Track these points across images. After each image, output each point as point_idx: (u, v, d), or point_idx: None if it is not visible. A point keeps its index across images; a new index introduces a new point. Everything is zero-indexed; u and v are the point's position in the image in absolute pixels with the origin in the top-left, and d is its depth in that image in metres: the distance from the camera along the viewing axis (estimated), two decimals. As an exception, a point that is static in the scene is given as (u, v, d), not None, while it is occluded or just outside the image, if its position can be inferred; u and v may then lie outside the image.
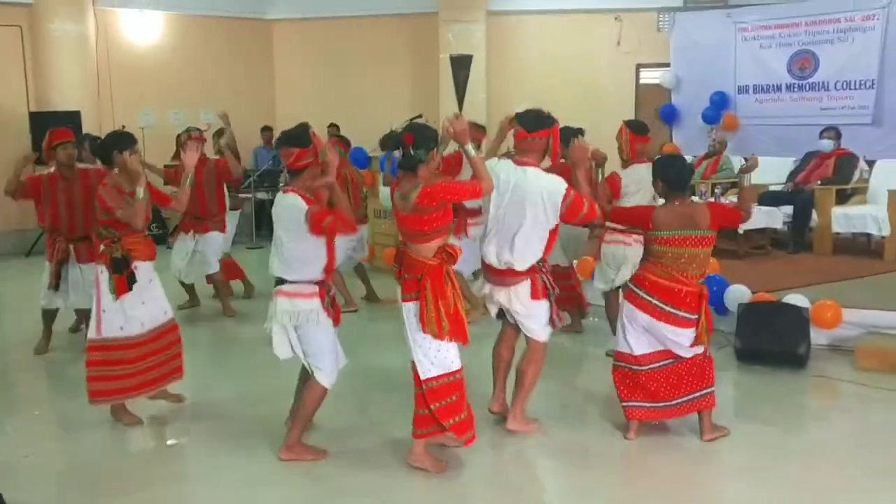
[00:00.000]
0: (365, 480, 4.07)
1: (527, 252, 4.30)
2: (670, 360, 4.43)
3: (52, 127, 6.13)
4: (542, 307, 4.43)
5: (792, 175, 9.04)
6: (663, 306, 4.31)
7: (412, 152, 3.91)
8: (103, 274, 4.62)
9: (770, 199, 8.65)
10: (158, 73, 12.04)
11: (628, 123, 5.88)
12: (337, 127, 10.94)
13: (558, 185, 4.23)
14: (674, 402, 4.43)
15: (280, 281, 4.15)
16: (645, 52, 12.16)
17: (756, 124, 10.75)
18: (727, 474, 4.23)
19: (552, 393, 5.54)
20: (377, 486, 4.01)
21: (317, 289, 4.13)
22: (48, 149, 5.92)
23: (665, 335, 4.36)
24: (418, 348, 3.95)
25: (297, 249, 4.07)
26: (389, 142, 4.64)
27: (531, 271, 4.35)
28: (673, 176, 4.43)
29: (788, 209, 8.45)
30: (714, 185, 8.87)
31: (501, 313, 4.63)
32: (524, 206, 4.22)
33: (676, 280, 4.31)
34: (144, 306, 4.73)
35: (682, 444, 4.42)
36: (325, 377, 4.18)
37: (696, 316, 4.31)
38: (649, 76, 12.31)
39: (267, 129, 12.30)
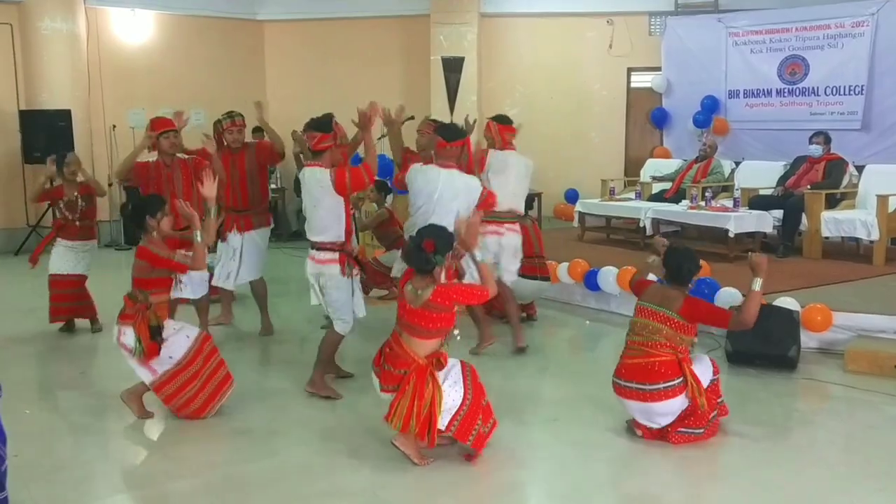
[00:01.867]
0: (357, 479, 4.07)
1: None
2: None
3: (154, 117, 6.25)
4: None
5: (782, 179, 9.08)
6: (641, 387, 4.34)
7: (433, 258, 4.04)
8: (125, 336, 4.69)
9: (760, 203, 8.69)
10: (149, 72, 12.01)
11: (493, 118, 6.46)
12: (328, 128, 10.90)
13: (476, 182, 5.35)
14: (686, 431, 4.48)
15: (311, 245, 5.08)
16: (636, 56, 12.21)
17: (746, 129, 10.83)
18: (717, 476, 4.26)
19: (544, 393, 5.56)
20: (370, 483, 4.01)
21: (338, 255, 5.01)
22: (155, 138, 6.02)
23: (660, 414, 4.38)
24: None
25: (320, 216, 4.98)
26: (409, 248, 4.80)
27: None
28: (672, 267, 4.50)
29: (778, 213, 8.48)
30: (704, 189, 8.91)
31: None
32: (453, 200, 5.18)
33: (647, 353, 4.36)
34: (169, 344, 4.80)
35: (673, 446, 4.42)
36: (340, 326, 5.13)
37: (679, 380, 4.30)
38: (640, 80, 12.38)
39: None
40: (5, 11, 10.75)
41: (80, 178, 6.82)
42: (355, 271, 5.25)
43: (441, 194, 5.27)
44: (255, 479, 4.10)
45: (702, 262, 6.67)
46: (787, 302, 6.05)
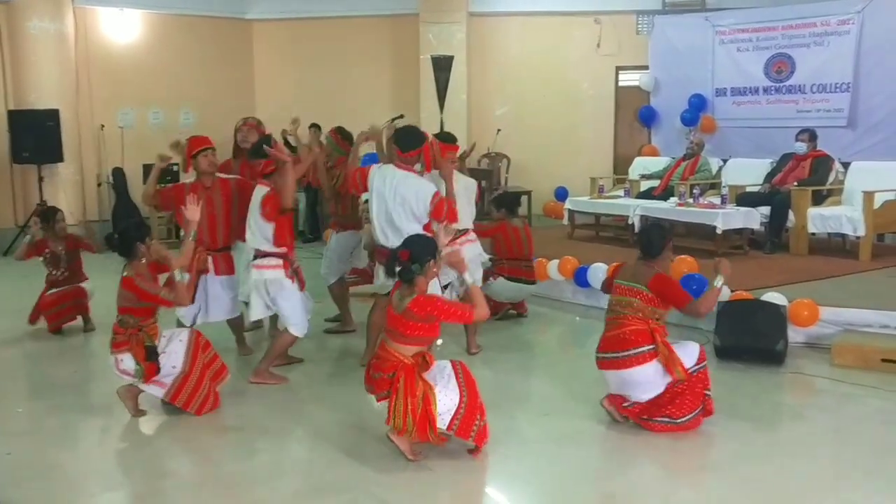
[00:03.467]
0: (352, 475, 4.09)
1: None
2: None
3: (191, 136, 5.86)
4: None
5: (769, 176, 9.16)
6: (615, 354, 4.46)
7: (410, 267, 4.07)
8: (124, 363, 4.71)
9: (747, 199, 8.76)
10: (138, 71, 11.98)
11: (437, 135, 6.02)
12: (318, 127, 10.92)
13: (428, 188, 5.17)
14: (661, 420, 4.53)
15: (255, 255, 5.35)
16: (624, 55, 12.28)
17: (733, 126, 10.90)
18: (705, 469, 4.30)
19: (535, 389, 5.60)
20: (364, 479, 4.03)
21: (281, 262, 5.28)
22: (189, 157, 5.66)
23: (634, 383, 4.45)
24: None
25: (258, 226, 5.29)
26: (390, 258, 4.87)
27: None
28: (643, 242, 4.72)
29: (765, 210, 8.55)
30: (692, 186, 8.97)
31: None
32: (404, 202, 5.15)
33: (619, 324, 4.48)
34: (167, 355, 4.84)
35: (662, 440, 4.47)
36: (295, 330, 5.39)
37: (650, 347, 4.40)
38: (628, 78, 12.44)
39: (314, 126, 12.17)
40: (-7, 11, 10.72)
41: (65, 234, 6.83)
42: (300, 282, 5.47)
43: (392, 196, 5.18)
44: (250, 476, 4.11)
45: (690, 258, 6.85)
46: (774, 297, 6.11)
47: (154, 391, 4.82)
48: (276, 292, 5.33)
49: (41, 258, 6.80)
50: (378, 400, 4.15)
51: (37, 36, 10.80)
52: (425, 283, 4.14)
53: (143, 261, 4.78)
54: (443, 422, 4.06)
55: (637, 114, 12.15)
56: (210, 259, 5.68)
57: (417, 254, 4.11)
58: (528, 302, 7.34)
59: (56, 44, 10.97)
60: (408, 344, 4.11)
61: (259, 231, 5.32)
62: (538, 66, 12.63)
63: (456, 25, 12.42)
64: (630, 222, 8.97)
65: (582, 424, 4.71)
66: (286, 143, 10.44)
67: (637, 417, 4.55)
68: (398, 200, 5.14)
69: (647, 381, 4.45)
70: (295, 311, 5.38)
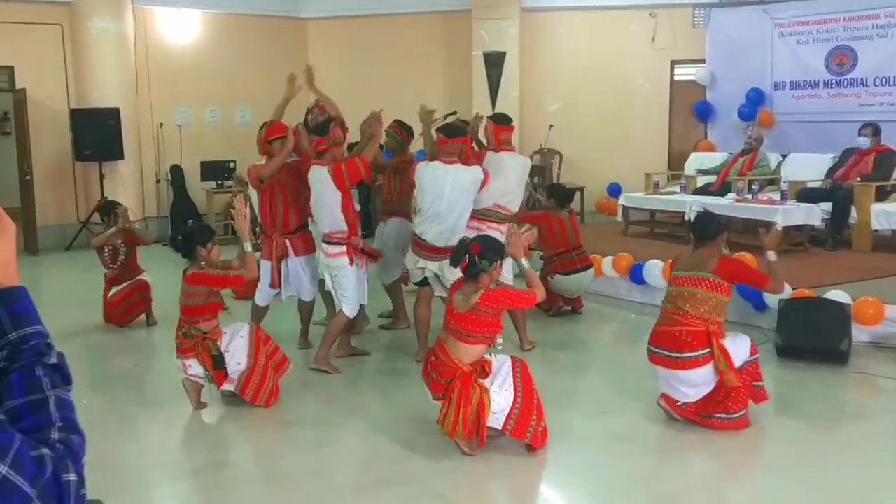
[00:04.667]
0: (410, 469, 4.11)
1: (460, 231, 5.42)
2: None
3: (268, 122, 6.01)
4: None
5: (830, 172, 8.94)
6: (669, 354, 4.39)
7: (478, 261, 4.07)
8: (192, 368, 4.82)
9: (808, 195, 8.56)
10: (195, 70, 12.18)
11: (491, 117, 6.28)
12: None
13: (478, 172, 5.50)
14: (714, 417, 4.46)
15: (322, 239, 5.51)
16: (680, 49, 12.10)
17: (793, 121, 10.68)
18: (766, 470, 4.22)
19: (593, 384, 5.56)
20: (422, 474, 4.05)
21: (345, 248, 5.38)
22: (265, 142, 5.83)
23: (688, 383, 4.38)
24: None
25: (323, 210, 5.38)
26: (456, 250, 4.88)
27: None
28: (697, 229, 4.70)
29: (827, 206, 8.35)
30: (751, 182, 8.81)
31: (424, 281, 5.68)
32: (461, 196, 5.42)
33: (677, 321, 4.39)
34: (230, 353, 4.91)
35: (723, 439, 4.41)
36: (347, 309, 5.50)
37: (706, 351, 4.31)
38: (684, 73, 12.25)
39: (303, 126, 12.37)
40: (55, 12, 10.97)
41: (127, 226, 6.94)
42: (363, 261, 5.59)
43: (451, 190, 5.41)
44: (308, 469, 4.16)
45: (749, 255, 6.72)
46: (837, 295, 5.96)
47: (224, 387, 4.90)
48: (338, 273, 5.47)
49: (104, 251, 6.94)
50: (434, 399, 4.18)
51: (98, 36, 11.04)
52: (489, 281, 4.13)
53: (204, 265, 4.83)
54: (497, 421, 4.04)
55: (693, 108, 11.97)
56: (288, 242, 5.82)
57: (488, 251, 4.11)
58: (584, 298, 7.28)
59: (116, 43, 11.20)
60: (474, 343, 4.07)
61: (324, 214, 5.43)
62: (591, 61, 12.51)
63: (508, 21, 12.37)
64: (687, 218, 8.84)
65: (638, 422, 4.66)
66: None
67: (694, 415, 4.48)
68: (458, 192, 5.40)
69: (699, 382, 4.38)
70: (350, 291, 5.48)
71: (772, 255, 4.64)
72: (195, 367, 4.81)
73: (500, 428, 4.07)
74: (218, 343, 4.81)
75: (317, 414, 4.92)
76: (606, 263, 7.57)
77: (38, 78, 10.89)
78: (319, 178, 5.36)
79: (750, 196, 8.45)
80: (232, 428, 4.82)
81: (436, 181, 5.41)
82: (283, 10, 12.99)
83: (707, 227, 4.63)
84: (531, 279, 4.31)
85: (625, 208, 9.84)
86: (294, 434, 4.66)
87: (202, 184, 11.67)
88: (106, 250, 6.92)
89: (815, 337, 5.63)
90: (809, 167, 9.34)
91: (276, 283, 5.84)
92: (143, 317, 7.03)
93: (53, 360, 1.32)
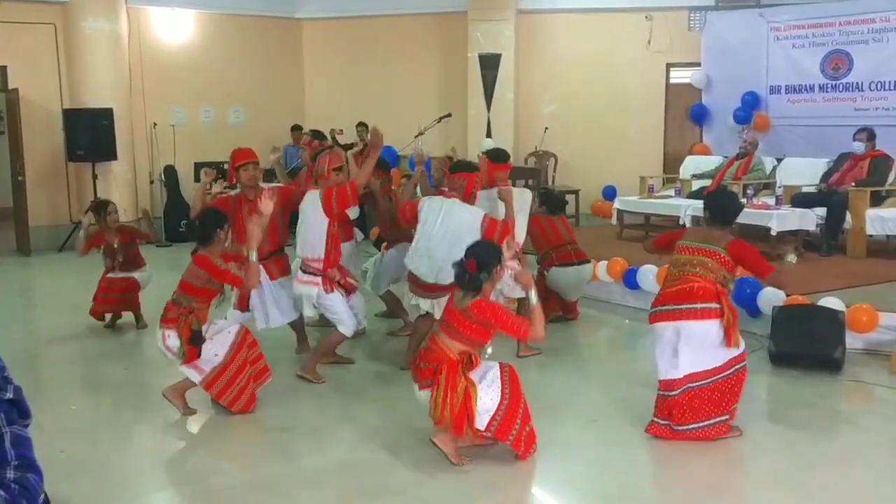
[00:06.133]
0: (395, 478, 4.08)
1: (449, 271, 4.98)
2: (703, 382, 4.38)
3: (236, 148, 5.81)
4: None
5: (825, 176, 8.93)
6: (678, 307, 4.33)
7: (479, 276, 4.06)
8: (169, 339, 4.79)
9: (803, 200, 8.55)
10: (189, 70, 12.15)
11: (486, 152, 6.11)
12: (366, 126, 10.97)
13: (475, 214, 5.23)
14: (687, 427, 4.40)
15: (300, 267, 5.37)
16: (675, 52, 12.11)
17: (788, 125, 10.69)
18: (760, 480, 4.18)
19: (584, 393, 5.53)
20: (409, 483, 4.02)
21: (319, 279, 5.29)
22: (232, 170, 5.73)
23: (692, 339, 4.32)
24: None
25: (306, 234, 5.30)
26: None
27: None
28: (715, 207, 4.62)
29: (821, 211, 8.34)
30: (745, 186, 8.80)
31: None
32: (452, 229, 5.17)
33: (685, 280, 4.37)
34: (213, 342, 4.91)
35: (716, 448, 4.38)
36: (344, 329, 5.43)
37: (717, 306, 4.28)
38: (679, 76, 12.26)
39: (297, 128, 12.36)
40: (49, 11, 10.92)
41: (116, 225, 6.92)
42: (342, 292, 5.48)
43: (440, 225, 5.27)
44: (298, 477, 4.13)
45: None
46: (831, 302, 5.94)
47: (192, 375, 4.85)
48: (319, 300, 5.42)
49: (99, 250, 6.90)
50: (420, 389, 4.16)
51: (91, 35, 11.00)
52: (491, 288, 4.15)
53: (218, 248, 4.88)
54: (482, 422, 4.02)
55: (688, 112, 11.97)
56: (261, 268, 5.64)
57: (484, 262, 4.08)
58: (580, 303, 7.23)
59: (110, 43, 11.16)
60: (458, 341, 4.10)
61: (307, 239, 5.37)
62: (587, 63, 12.50)
63: (504, 23, 12.36)
64: (681, 222, 8.82)
65: (634, 430, 4.62)
66: (334, 141, 10.53)
67: (682, 434, 4.40)
68: (447, 230, 5.21)
69: (706, 339, 4.31)
70: (340, 312, 5.44)
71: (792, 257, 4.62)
72: (172, 339, 4.77)
73: (483, 428, 4.04)
74: (204, 326, 4.81)
75: (305, 422, 4.87)
76: (601, 268, 7.54)
77: (31, 77, 10.86)
78: (311, 201, 5.34)
79: (745, 201, 8.41)
80: (221, 434, 4.77)
81: (430, 213, 5.33)
82: (278, 11, 12.96)
83: (726, 210, 4.59)
84: (534, 315, 4.14)
85: (619, 212, 9.82)
86: (282, 442, 4.61)
87: (196, 184, 11.60)
88: (102, 249, 6.87)
89: (808, 344, 5.61)
90: (804, 172, 9.33)
91: (244, 306, 5.76)
92: (132, 319, 6.98)
93: (9, 395, 1.26)
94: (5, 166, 11.34)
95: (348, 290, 5.55)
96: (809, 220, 8.20)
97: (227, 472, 4.27)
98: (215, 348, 4.84)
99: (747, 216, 8.17)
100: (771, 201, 8.54)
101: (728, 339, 4.30)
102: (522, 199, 5.93)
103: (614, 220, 9.91)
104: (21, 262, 10.23)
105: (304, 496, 3.93)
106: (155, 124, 11.84)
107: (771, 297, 6.11)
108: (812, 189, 8.83)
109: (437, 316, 5.00)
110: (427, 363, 4.13)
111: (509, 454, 4.18)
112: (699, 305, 4.28)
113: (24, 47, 10.84)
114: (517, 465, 4.15)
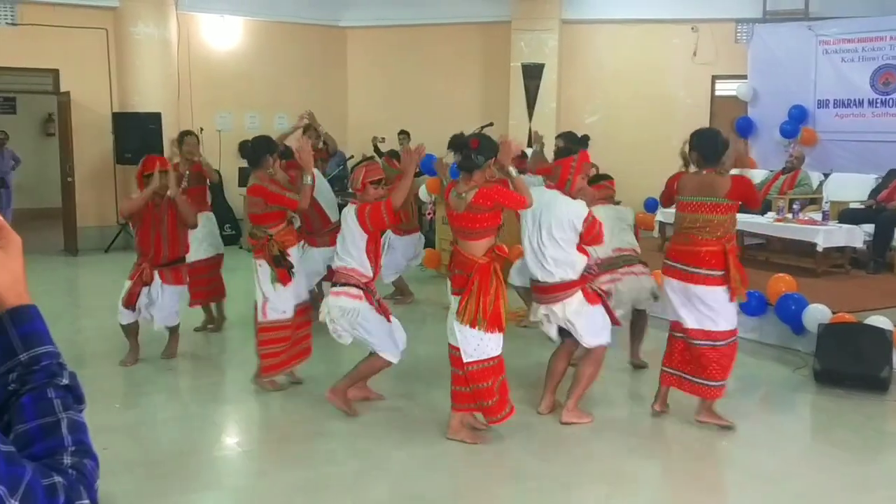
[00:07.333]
0: (436, 481, 4.09)
1: (552, 263, 4.67)
2: (709, 342, 4.63)
3: (147, 154, 6.09)
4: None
5: (874, 193, 8.78)
6: (686, 267, 4.58)
7: (474, 156, 4.28)
8: (262, 268, 5.20)
9: (850, 216, 8.41)
10: (236, 76, 12.30)
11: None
12: (407, 134, 11.03)
13: (576, 208, 4.65)
14: (699, 381, 4.67)
15: (333, 282, 4.91)
16: (721, 64, 11.96)
17: (836, 139, 10.49)
18: (798, 498, 4.12)
19: (595, 398, 5.49)
20: (448, 488, 4.03)
21: (361, 292, 4.75)
22: (140, 176, 5.94)
23: (697, 299, 4.56)
24: (462, 337, 4.34)
25: (346, 246, 4.80)
26: (456, 141, 5.07)
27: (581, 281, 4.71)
28: (701, 148, 4.70)
29: (869, 227, 8.20)
30: (791, 201, 8.68)
31: (562, 330, 4.86)
32: (552, 223, 4.64)
33: (694, 242, 4.57)
34: (296, 284, 5.30)
35: (752, 465, 4.32)
36: (389, 357, 4.87)
37: (721, 272, 4.51)
38: (725, 88, 12.10)
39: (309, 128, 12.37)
40: (101, 17, 11.14)
41: (196, 158, 7.16)
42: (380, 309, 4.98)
43: (541, 214, 4.67)
44: (340, 480, 4.17)
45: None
46: (878, 320, 5.83)
47: (260, 312, 5.26)
48: (356, 316, 4.76)
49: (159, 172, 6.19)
50: (454, 293, 4.39)
51: (141, 41, 11.20)
52: (481, 178, 4.31)
53: (270, 171, 5.30)
54: (468, 357, 4.30)
55: (734, 124, 11.82)
56: (157, 273, 5.99)
57: (484, 148, 4.31)
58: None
59: (159, 49, 11.35)
60: (479, 239, 4.30)
61: (346, 249, 4.82)
62: (631, 74, 12.42)
63: (548, 33, 12.32)
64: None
65: (648, 433, 4.59)
66: (376, 150, 10.59)
67: (678, 381, 4.73)
68: (546, 220, 4.65)
69: (712, 302, 4.56)
70: (375, 332, 4.84)
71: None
72: (264, 268, 5.17)
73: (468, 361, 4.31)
74: (287, 250, 5.22)
75: (345, 425, 4.89)
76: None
77: (82, 81, 11.07)
78: (347, 215, 4.90)
79: (790, 216, 8.30)
80: (264, 437, 4.84)
81: (534, 204, 4.59)
82: (324, 19, 13.07)
83: (712, 147, 4.67)
84: (519, 186, 4.41)
85: (661, 224, 9.74)
86: (325, 445, 4.65)
87: (240, 189, 11.76)
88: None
89: (854, 363, 5.52)
90: (852, 187, 9.18)
91: (132, 301, 5.97)
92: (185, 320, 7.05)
93: (65, 380, 1.27)
94: (55, 168, 11.57)
95: (385, 313, 5.01)
96: (857, 236, 8.05)
97: (269, 474, 4.31)
98: (284, 305, 5.23)
99: (793, 231, 8.09)
100: (817, 217, 8.40)
101: (731, 294, 4.56)
102: (621, 216, 6.05)
103: (656, 233, 9.82)
104: (68, 262, 10.42)
105: (346, 499, 3.97)
106: (202, 129, 11.97)
107: (817, 315, 6.01)
108: (860, 205, 8.68)
109: (568, 322, 4.69)
110: (461, 269, 4.35)
111: (518, 440, 4.16)
112: (705, 271, 4.53)
113: (76, 51, 11.06)
114: (554, 480, 4.12)
